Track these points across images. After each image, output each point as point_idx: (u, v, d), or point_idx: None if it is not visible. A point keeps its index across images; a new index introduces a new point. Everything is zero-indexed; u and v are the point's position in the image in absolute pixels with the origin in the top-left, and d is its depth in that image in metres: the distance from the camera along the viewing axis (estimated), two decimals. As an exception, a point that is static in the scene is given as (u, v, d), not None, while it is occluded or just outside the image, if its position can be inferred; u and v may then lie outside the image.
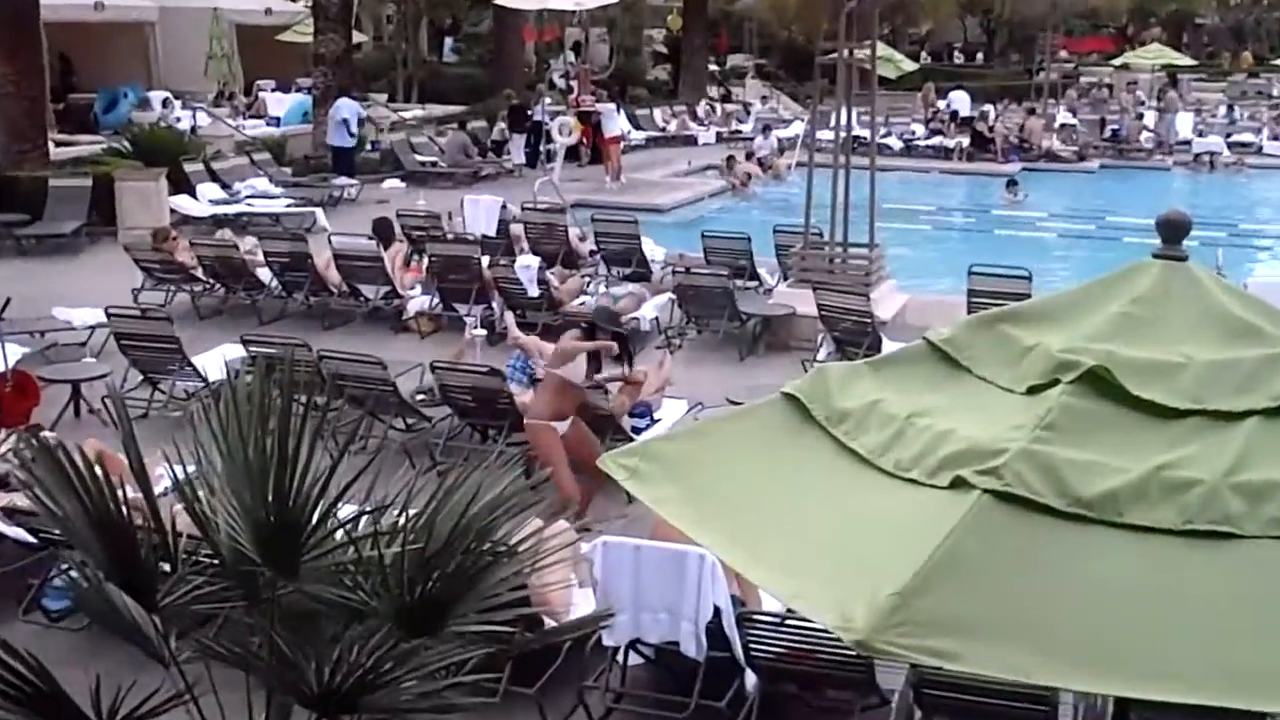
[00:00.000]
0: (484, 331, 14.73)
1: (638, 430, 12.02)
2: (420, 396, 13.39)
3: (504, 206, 22.06)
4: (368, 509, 5.24)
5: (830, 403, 4.91)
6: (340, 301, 18.44)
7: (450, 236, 19.86)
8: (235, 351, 13.93)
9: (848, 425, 4.80)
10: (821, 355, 15.64)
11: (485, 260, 18.17)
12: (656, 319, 17.51)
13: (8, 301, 15.45)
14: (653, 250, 20.69)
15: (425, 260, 18.71)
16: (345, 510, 5.15)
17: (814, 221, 18.01)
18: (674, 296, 17.71)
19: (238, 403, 5.06)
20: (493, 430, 12.71)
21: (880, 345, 15.06)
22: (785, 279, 18.63)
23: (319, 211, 25.06)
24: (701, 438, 5.08)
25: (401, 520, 5.16)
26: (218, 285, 19.02)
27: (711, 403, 12.81)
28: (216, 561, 5.14)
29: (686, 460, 4.91)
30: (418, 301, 18.24)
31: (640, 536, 8.87)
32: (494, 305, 17.37)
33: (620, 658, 8.77)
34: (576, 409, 11.06)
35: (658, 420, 12.37)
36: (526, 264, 17.70)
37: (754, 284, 19.43)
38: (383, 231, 19.00)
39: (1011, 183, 34.34)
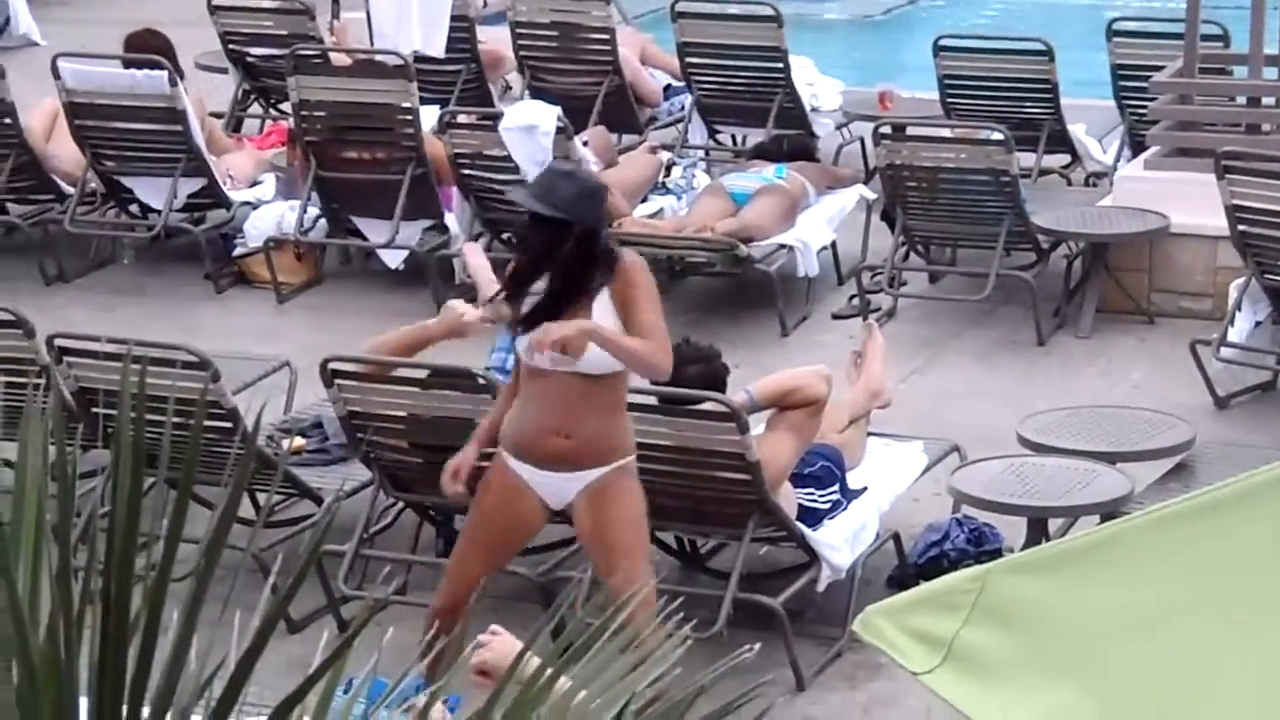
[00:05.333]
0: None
1: (813, 511, 8.29)
2: (293, 442, 8.92)
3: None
4: None
5: None
6: (87, 218, 12.50)
7: (344, 59, 12.79)
8: None
9: None
10: (1240, 329, 10.74)
11: (428, 114, 11.97)
12: (833, 247, 12.00)
13: None
14: (816, 86, 13.84)
15: (286, 116, 12.82)
16: None
17: (1206, 8, 12.08)
18: (872, 194, 12.31)
19: None
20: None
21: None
22: (1136, 149, 12.81)
23: (16, 3, 17.45)
24: (1135, 557, 3.35)
25: None
26: None
27: (979, 440, 9.29)
28: None
29: (1091, 625, 3.33)
30: (268, 214, 12.26)
31: None
32: (449, 220, 11.85)
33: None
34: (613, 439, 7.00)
35: (859, 490, 8.51)
36: (529, 120, 11.59)
37: (1063, 162, 13.32)
38: (164, 48, 12.33)
39: None
